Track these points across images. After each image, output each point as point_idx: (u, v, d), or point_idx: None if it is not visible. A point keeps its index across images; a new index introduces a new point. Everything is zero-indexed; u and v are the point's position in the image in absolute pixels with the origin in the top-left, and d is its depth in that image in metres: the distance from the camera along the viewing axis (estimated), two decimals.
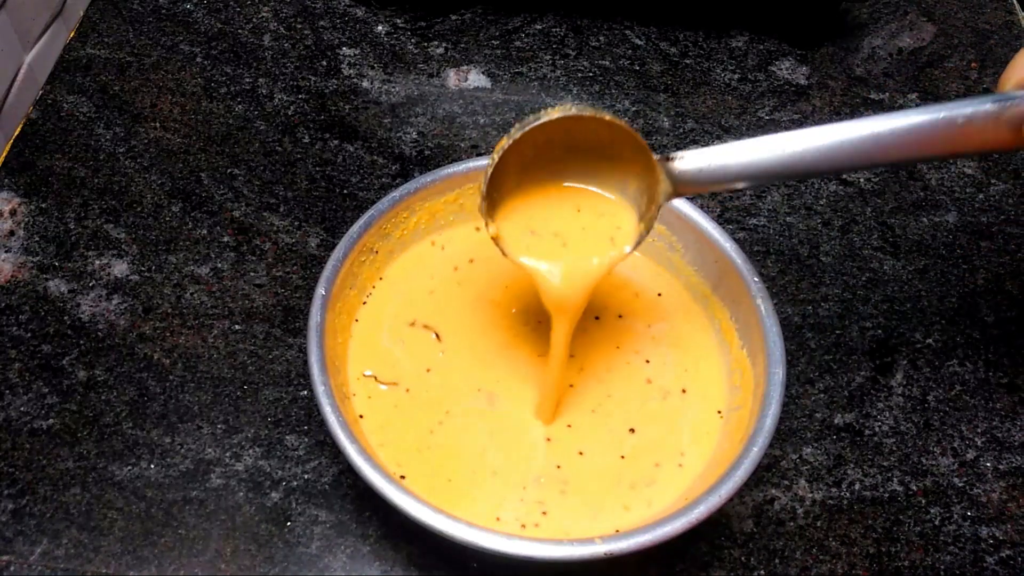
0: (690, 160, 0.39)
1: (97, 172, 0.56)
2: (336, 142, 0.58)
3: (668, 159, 0.39)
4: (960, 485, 0.46)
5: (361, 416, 0.42)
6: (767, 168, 0.38)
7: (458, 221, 0.49)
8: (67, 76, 0.60)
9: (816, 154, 0.37)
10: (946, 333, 0.52)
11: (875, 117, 0.36)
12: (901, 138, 0.36)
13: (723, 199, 0.57)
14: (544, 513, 0.40)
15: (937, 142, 0.36)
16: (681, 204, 0.46)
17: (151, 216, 0.54)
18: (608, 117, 0.38)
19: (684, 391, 0.44)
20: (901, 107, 0.62)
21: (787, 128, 0.61)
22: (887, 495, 0.46)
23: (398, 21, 0.65)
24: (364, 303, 0.46)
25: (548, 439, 0.42)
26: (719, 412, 0.43)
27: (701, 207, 0.46)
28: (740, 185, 0.39)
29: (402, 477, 0.41)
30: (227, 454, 0.46)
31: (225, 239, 0.53)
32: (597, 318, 0.46)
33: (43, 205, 0.54)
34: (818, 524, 0.45)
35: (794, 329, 0.51)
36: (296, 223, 0.54)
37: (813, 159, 0.37)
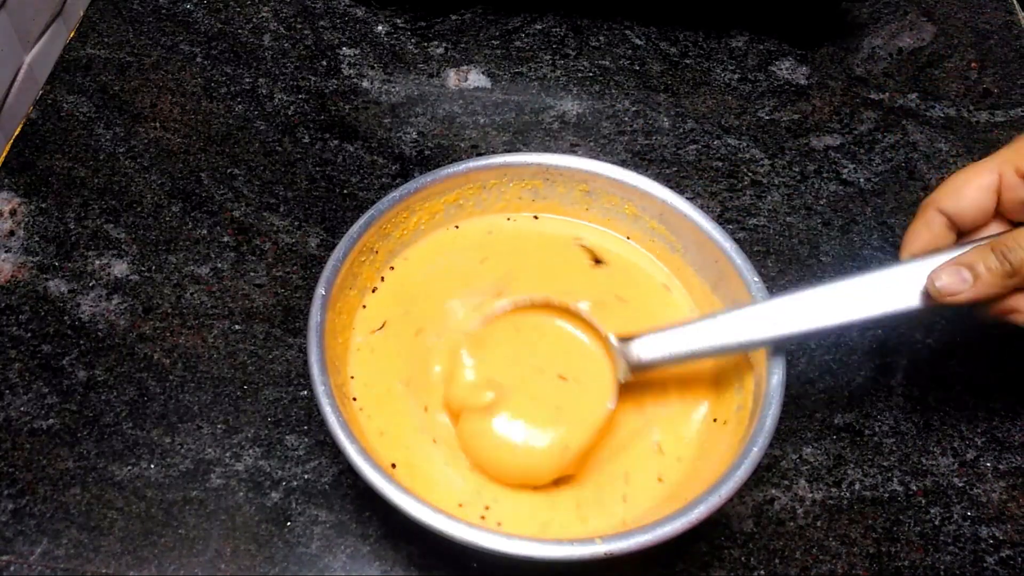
0: (646, 348, 0.41)
1: (97, 172, 0.56)
2: (336, 142, 0.58)
3: (627, 340, 0.42)
4: (960, 485, 0.46)
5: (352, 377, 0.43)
6: (715, 350, 0.41)
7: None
8: (67, 76, 0.60)
9: (758, 337, 0.41)
10: (946, 333, 0.52)
11: (807, 292, 0.40)
12: (834, 315, 0.40)
13: (723, 199, 0.57)
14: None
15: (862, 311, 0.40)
16: (681, 204, 0.46)
17: (151, 216, 0.54)
18: (567, 308, 0.43)
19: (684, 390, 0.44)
20: (901, 107, 0.62)
21: (787, 128, 0.61)
22: (887, 495, 0.46)
23: (398, 21, 0.65)
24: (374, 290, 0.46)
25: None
26: (715, 419, 0.43)
27: (701, 207, 0.46)
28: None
29: (392, 465, 0.41)
30: (227, 454, 0.46)
31: (225, 239, 0.53)
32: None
33: (43, 205, 0.54)
34: (818, 524, 0.45)
35: None
36: (296, 223, 0.54)
37: (758, 340, 0.41)
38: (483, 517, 0.40)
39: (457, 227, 0.49)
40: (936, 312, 0.52)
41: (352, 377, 0.43)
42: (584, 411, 0.41)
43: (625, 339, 0.42)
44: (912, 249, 0.42)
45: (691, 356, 0.41)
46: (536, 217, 0.50)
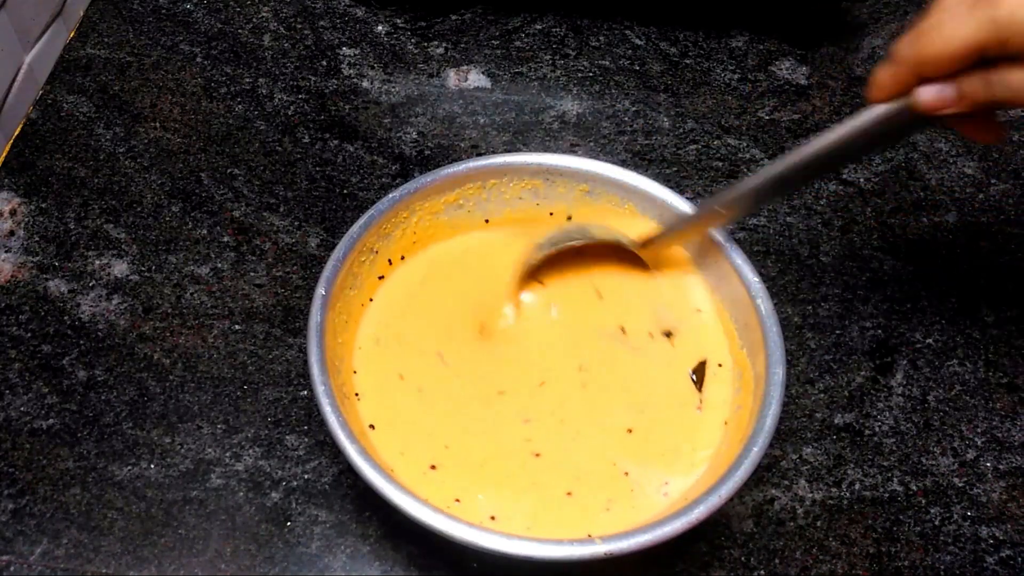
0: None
1: (97, 172, 0.56)
2: (336, 142, 0.58)
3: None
4: (960, 485, 0.46)
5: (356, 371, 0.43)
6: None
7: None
8: (67, 76, 0.60)
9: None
10: (946, 333, 0.52)
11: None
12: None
13: None
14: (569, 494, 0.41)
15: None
16: (681, 204, 0.46)
17: (151, 216, 0.54)
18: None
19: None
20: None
21: (787, 128, 0.61)
22: (887, 495, 0.46)
23: (398, 21, 0.65)
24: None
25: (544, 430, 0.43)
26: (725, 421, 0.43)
27: None
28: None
29: (371, 426, 0.42)
30: (227, 454, 0.46)
31: (225, 239, 0.53)
32: (599, 294, 0.47)
33: (43, 205, 0.54)
34: (818, 524, 0.45)
35: (794, 329, 0.51)
36: (296, 223, 0.54)
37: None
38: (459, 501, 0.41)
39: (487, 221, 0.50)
40: (936, 311, 0.52)
41: (355, 372, 0.44)
42: None
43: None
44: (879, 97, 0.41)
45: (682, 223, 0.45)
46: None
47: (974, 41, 0.36)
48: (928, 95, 0.38)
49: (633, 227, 0.47)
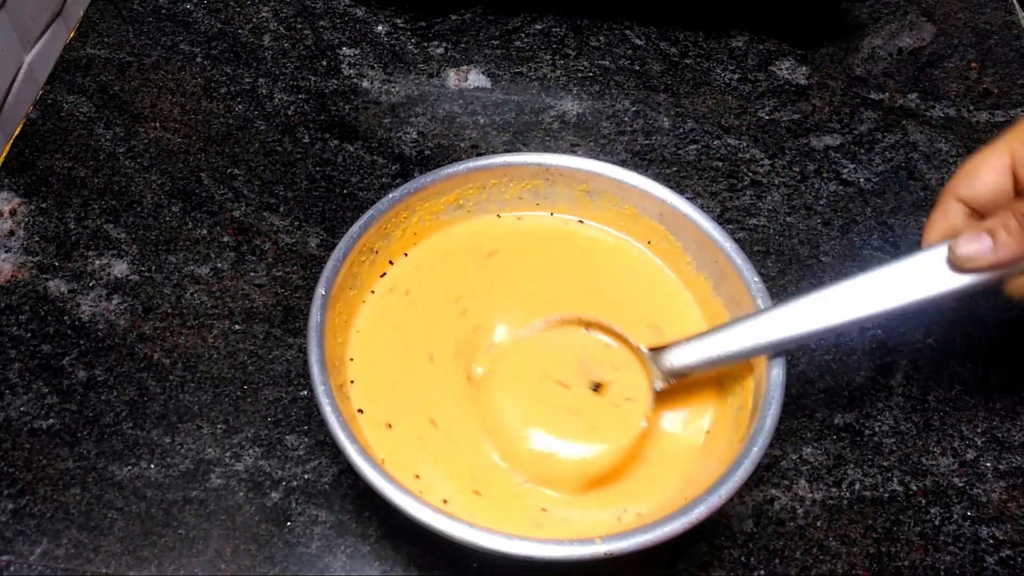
0: (679, 356, 0.42)
1: (97, 172, 0.56)
2: (336, 142, 0.58)
3: (658, 350, 0.42)
4: (960, 485, 0.46)
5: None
6: (748, 352, 0.41)
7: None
8: (67, 76, 0.60)
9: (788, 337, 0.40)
10: (946, 333, 0.52)
11: (839, 286, 0.40)
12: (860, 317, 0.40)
13: (723, 199, 0.57)
14: (543, 510, 0.40)
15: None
16: (681, 204, 0.46)
17: (151, 216, 0.54)
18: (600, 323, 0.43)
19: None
20: (901, 107, 0.62)
21: (787, 128, 0.61)
22: (887, 495, 0.46)
23: (398, 21, 0.65)
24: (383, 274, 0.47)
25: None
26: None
27: (701, 207, 0.46)
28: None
29: (360, 411, 0.41)
30: (227, 454, 0.46)
31: (225, 239, 0.53)
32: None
33: (43, 205, 0.54)
34: (818, 524, 0.45)
35: None
36: (296, 223, 0.54)
37: (792, 337, 0.40)
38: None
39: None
40: (936, 311, 0.52)
41: (351, 359, 0.44)
42: (620, 424, 0.41)
43: (655, 349, 0.42)
44: (931, 239, 0.41)
45: (726, 359, 0.41)
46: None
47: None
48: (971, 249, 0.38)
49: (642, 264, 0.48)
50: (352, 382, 0.43)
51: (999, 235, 0.37)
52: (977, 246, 0.38)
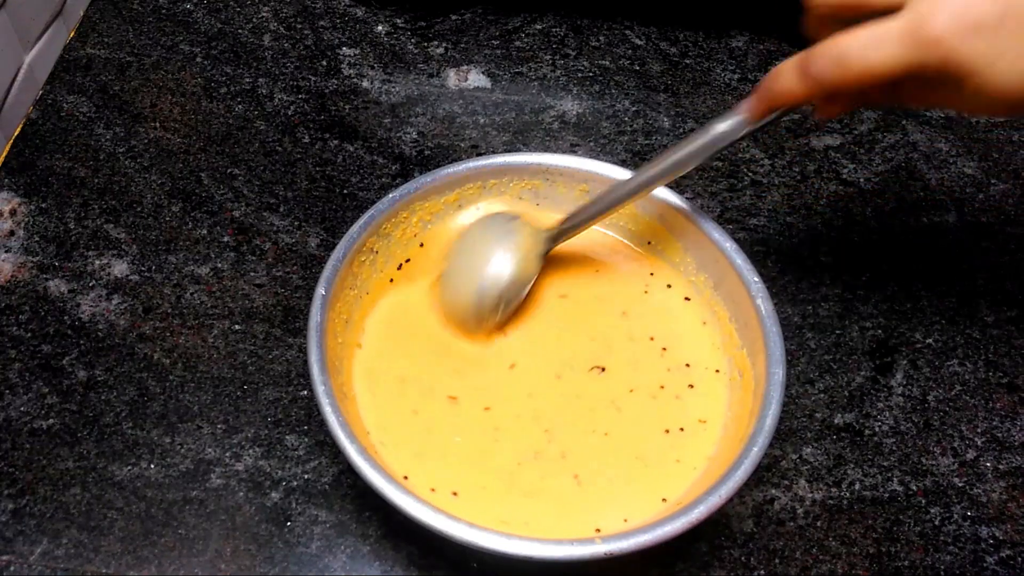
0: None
1: (97, 172, 0.56)
2: (336, 142, 0.58)
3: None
4: (960, 485, 0.46)
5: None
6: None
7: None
8: (67, 76, 0.60)
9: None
10: (946, 333, 0.52)
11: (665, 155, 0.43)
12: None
13: (723, 199, 0.57)
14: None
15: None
16: (681, 204, 0.46)
17: (151, 216, 0.54)
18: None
19: (690, 386, 0.44)
20: (901, 107, 0.62)
21: (787, 128, 0.61)
22: (887, 495, 0.46)
23: (398, 21, 0.65)
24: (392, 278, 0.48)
25: (546, 430, 0.42)
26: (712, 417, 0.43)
27: (701, 207, 0.46)
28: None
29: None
30: (227, 454, 0.46)
31: (225, 239, 0.53)
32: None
33: (43, 205, 0.54)
34: (818, 524, 0.45)
35: (794, 329, 0.51)
36: (296, 223, 0.54)
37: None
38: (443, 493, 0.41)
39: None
40: (936, 311, 0.52)
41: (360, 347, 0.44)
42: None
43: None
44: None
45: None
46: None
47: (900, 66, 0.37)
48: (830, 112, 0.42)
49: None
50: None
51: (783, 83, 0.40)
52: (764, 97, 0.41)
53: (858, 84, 0.38)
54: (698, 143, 0.43)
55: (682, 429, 0.43)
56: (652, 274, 0.48)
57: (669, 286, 0.48)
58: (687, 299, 0.47)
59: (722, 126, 0.42)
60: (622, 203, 0.45)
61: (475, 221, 0.48)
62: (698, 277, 0.47)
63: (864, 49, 0.37)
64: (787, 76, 0.40)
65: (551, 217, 0.48)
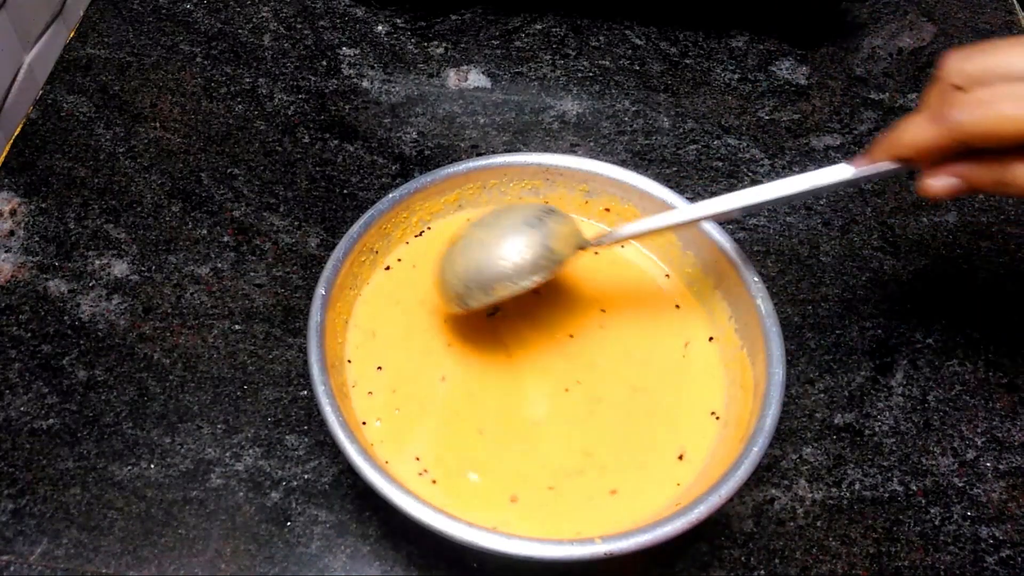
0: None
1: (97, 172, 0.56)
2: (336, 142, 0.58)
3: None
4: (960, 485, 0.46)
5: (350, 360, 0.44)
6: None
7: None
8: (67, 76, 0.60)
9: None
10: (946, 333, 0.52)
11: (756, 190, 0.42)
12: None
13: None
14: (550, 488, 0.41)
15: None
16: (681, 203, 0.46)
17: (151, 216, 0.54)
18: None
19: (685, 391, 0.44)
20: (901, 107, 0.62)
21: (787, 128, 0.61)
22: (887, 495, 0.46)
23: (398, 21, 0.65)
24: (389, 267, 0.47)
25: (536, 423, 0.43)
26: (713, 413, 0.43)
27: None
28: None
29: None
30: (227, 454, 0.46)
31: (225, 239, 0.53)
32: (604, 310, 0.46)
33: (43, 205, 0.54)
34: (818, 524, 0.45)
35: (794, 329, 0.51)
36: (296, 223, 0.54)
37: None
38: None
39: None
40: (936, 311, 0.52)
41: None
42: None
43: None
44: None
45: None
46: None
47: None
48: (938, 185, 0.39)
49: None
50: (349, 361, 0.44)
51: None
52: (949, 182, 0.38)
53: (999, 137, 0.35)
54: (796, 189, 0.41)
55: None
56: (652, 274, 0.48)
57: (668, 287, 0.48)
58: (677, 307, 0.47)
59: (827, 177, 0.41)
60: (690, 224, 0.44)
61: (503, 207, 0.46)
62: (698, 277, 0.47)
63: (1019, 99, 0.34)
64: (917, 124, 0.38)
65: None
